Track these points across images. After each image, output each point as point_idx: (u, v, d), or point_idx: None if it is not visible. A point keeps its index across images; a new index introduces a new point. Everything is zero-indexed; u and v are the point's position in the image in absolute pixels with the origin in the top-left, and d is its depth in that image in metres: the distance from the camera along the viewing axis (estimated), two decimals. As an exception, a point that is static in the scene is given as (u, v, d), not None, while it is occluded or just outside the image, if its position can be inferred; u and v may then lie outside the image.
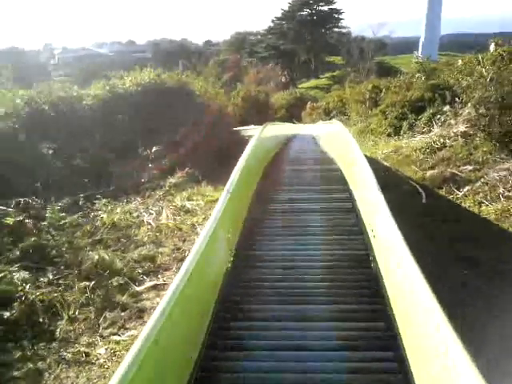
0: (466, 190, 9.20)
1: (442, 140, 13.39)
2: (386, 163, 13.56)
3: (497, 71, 12.66)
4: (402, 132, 17.45)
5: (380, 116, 19.18)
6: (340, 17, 66.68)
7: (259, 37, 73.50)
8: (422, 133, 16.36)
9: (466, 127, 13.62)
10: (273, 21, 70.30)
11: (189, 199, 11.13)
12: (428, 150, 13.05)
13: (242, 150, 19.67)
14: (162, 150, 14.79)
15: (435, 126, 15.81)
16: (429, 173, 10.87)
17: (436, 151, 12.90)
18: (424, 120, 16.83)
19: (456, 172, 10.46)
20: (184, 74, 23.54)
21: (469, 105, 14.34)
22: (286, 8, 67.94)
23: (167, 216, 9.64)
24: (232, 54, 72.55)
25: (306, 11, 67.04)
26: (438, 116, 16.50)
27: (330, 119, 30.98)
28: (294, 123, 31.90)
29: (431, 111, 17.00)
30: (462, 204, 8.76)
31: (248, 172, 8.52)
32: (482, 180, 9.03)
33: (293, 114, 36.56)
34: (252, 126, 32.50)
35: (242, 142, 26.03)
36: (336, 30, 68.33)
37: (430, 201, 9.43)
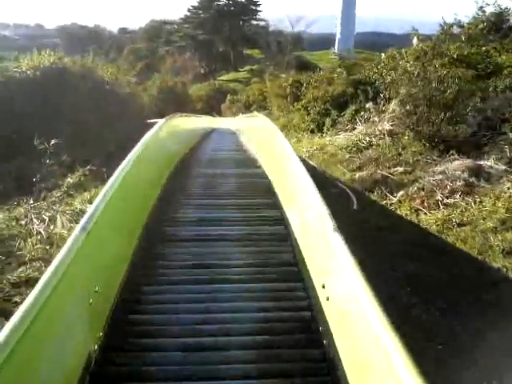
0: (400, 194, 8.54)
1: (367, 138, 12.85)
2: (311, 162, 12.80)
3: (421, 67, 12.24)
4: (325, 129, 16.87)
5: (302, 111, 18.50)
6: (257, 9, 65.98)
7: (175, 26, 71.02)
8: (346, 130, 15.85)
9: (392, 125, 13.20)
10: (189, 10, 68.14)
11: (91, 202, 9.65)
12: (354, 149, 12.45)
13: None
14: (63, 142, 13.04)
15: (359, 124, 15.35)
16: (358, 174, 10.17)
17: (362, 150, 12.33)
18: (347, 117, 16.34)
19: (386, 174, 9.84)
20: (91, 60, 21.57)
21: (393, 101, 13.96)
22: (203, -3, 66.19)
23: (63, 224, 8.10)
24: (147, 43, 69.73)
25: (222, 1, 65.64)
26: (362, 113, 16.09)
27: (251, 113, 30.20)
28: (213, 116, 30.65)
29: (354, 108, 16.56)
30: (398, 211, 8.07)
31: (134, 188, 5.33)
32: (417, 185, 8.41)
33: (212, 106, 35.28)
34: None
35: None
36: (254, 22, 67.62)
37: (361, 206, 8.67)
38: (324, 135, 16.50)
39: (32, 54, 16.04)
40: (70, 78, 15.92)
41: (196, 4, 66.97)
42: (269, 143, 9.63)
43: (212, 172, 9.55)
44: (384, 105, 15.36)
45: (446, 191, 7.71)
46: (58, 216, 8.31)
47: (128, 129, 17.14)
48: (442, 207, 7.44)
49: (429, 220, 7.20)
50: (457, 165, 8.85)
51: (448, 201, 7.49)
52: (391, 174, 9.82)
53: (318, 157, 13.17)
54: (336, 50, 69.10)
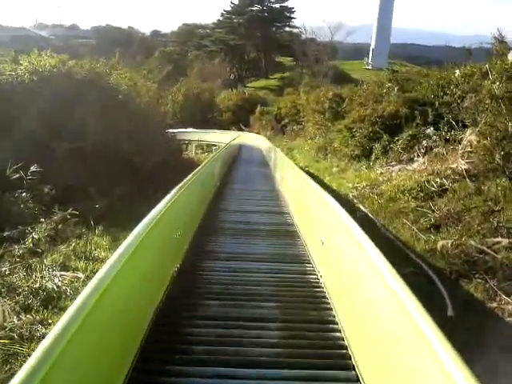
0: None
1: (437, 179, 9.59)
2: (362, 207, 9.66)
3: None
4: (373, 156, 13.69)
5: (345, 133, 15.34)
6: (292, 16, 62.96)
7: (208, 30, 68.48)
8: (400, 161, 12.68)
9: (467, 162, 9.97)
10: (222, 14, 65.57)
11: (65, 266, 6.77)
12: (422, 195, 9.23)
13: (176, 164, 14.58)
14: (54, 168, 10.25)
15: (418, 154, 12.15)
16: (440, 243, 6.97)
17: (433, 196, 9.10)
18: (402, 144, 13.13)
19: (483, 248, 6.62)
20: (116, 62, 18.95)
21: (468, 131, 10.73)
22: (237, 2, 63.41)
23: (5, 313, 5.17)
24: (179, 46, 67.39)
25: (256, 7, 62.72)
26: (421, 140, 12.89)
27: (282, 127, 27.26)
28: (241, 129, 27.73)
29: (410, 132, 13.35)
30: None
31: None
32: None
33: (240, 117, 32.31)
34: (190, 129, 28.15)
35: (177, 151, 21.65)
36: (287, 29, 64.57)
37: (457, 308, 5.50)
38: (372, 164, 13.34)
39: (31, 55, 13.26)
40: (75, 86, 13.08)
41: (229, 9, 64.40)
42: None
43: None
44: (452, 133, 12.16)
45: None
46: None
47: (141, 145, 14.28)
48: None
49: None
50: None
51: None
52: (490, 248, 6.61)
53: (370, 199, 10.04)
54: (370, 61, 66.07)
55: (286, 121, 26.46)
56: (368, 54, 66.19)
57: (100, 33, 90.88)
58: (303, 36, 58.99)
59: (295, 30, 63.32)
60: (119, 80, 17.57)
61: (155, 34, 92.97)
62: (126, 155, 12.82)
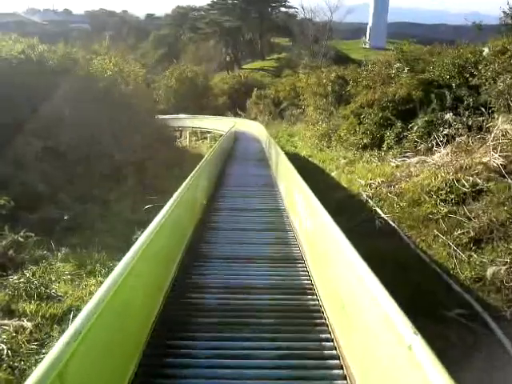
0: None
1: (468, 177, 7.92)
2: (380, 212, 8.01)
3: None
4: (385, 146, 11.99)
5: (352, 119, 13.61)
6: (287, -4, 60.28)
7: (202, 12, 65.74)
8: (417, 151, 10.97)
9: (502, 156, 8.31)
10: (217, -5, 62.81)
11: (10, 309, 5.26)
12: (452, 197, 7.56)
13: (167, 156, 12.92)
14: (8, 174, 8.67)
15: (439, 144, 10.46)
16: (490, 271, 5.35)
17: (466, 199, 7.45)
18: (417, 131, 11.42)
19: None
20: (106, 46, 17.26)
21: (500, 118, 9.03)
22: (231, -18, 60.62)
23: None
24: (173, 29, 64.85)
25: (251, -13, 60.01)
26: (437, 127, 11.20)
27: (281, 111, 25.41)
28: (238, 115, 25.88)
29: (426, 118, 11.66)
30: None
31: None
32: None
33: (236, 101, 30.33)
34: (183, 116, 26.27)
35: (169, 141, 19.81)
36: (283, 9, 61.97)
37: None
38: (384, 155, 11.65)
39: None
40: (47, 74, 11.32)
41: (224, -11, 61.68)
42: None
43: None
44: (475, 118, 10.46)
45: None
46: None
47: (125, 139, 12.58)
48: None
49: None
50: None
51: None
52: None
53: (388, 201, 8.38)
54: (368, 40, 63.65)
55: (285, 104, 24.63)
56: (365, 33, 63.81)
57: (93, 17, 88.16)
58: (300, 16, 56.49)
59: (291, 10, 60.86)
60: (104, 66, 15.81)
61: (149, 17, 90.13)
62: (106, 151, 11.12)
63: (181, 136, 23.57)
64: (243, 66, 52.36)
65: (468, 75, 10.78)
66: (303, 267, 5.06)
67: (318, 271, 4.51)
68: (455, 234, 6.52)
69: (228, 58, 54.53)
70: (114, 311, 2.62)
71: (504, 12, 13.31)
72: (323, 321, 3.86)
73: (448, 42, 17.73)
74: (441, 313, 4.68)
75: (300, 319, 3.98)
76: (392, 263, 5.71)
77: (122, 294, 2.71)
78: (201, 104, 26.89)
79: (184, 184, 5.58)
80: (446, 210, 7.25)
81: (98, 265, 6.21)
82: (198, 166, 7.16)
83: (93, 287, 5.54)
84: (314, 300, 4.27)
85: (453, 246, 6.11)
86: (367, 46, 58.75)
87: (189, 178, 6.07)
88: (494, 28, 16.77)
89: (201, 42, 50.18)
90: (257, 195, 9.27)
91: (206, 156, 8.61)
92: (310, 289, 4.49)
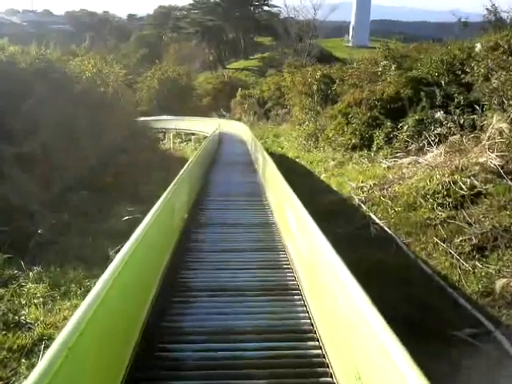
0: None
1: (465, 179, 7.52)
2: (375, 217, 7.57)
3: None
4: (374, 146, 11.58)
5: (340, 118, 13.18)
6: (269, -5, 59.68)
7: (184, 12, 64.89)
8: (408, 152, 10.58)
9: (499, 156, 7.95)
10: (198, -5, 61.96)
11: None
12: (449, 200, 7.14)
13: (150, 160, 12.34)
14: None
15: (431, 143, 10.08)
16: (499, 283, 4.93)
17: (465, 202, 7.04)
18: (408, 131, 11.04)
19: None
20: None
21: (495, 117, 8.67)
22: (213, -18, 59.87)
23: None
24: (155, 29, 63.94)
25: (233, -14, 59.31)
26: (428, 126, 10.85)
27: (266, 111, 24.91)
28: (222, 115, 25.32)
29: (416, 117, 11.29)
30: None
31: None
32: None
33: (220, 101, 29.74)
34: (166, 117, 25.58)
35: (152, 143, 19.17)
36: (266, 8, 61.41)
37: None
38: (374, 156, 11.25)
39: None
40: (20, 76, 10.68)
41: (206, -11, 60.90)
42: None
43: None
44: (466, 116, 10.11)
45: None
46: None
47: (104, 143, 12.00)
48: None
49: None
50: None
51: None
52: None
53: (382, 205, 7.95)
54: (351, 38, 63.44)
55: (270, 104, 24.17)
56: (348, 31, 63.60)
57: (74, 18, 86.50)
58: (283, 15, 55.98)
59: (274, 9, 60.33)
60: (82, 67, 15.17)
61: (131, 17, 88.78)
62: (84, 156, 10.53)
63: (164, 138, 22.95)
64: (227, 66, 51.75)
65: (460, 72, 10.39)
66: (300, 300, 4.22)
67: (319, 307, 3.75)
68: (456, 241, 6.10)
69: (211, 58, 53.85)
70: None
71: (487, 9, 12.97)
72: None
73: (432, 40, 17.49)
74: (450, 333, 4.23)
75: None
76: (392, 276, 5.27)
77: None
78: (184, 105, 26.24)
79: (161, 199, 4.88)
80: (444, 214, 6.83)
81: (73, 285, 5.67)
82: (177, 177, 6.43)
83: (67, 312, 5.00)
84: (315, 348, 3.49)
85: (455, 254, 5.69)
86: (350, 45, 58.47)
87: (166, 192, 5.36)
88: (476, 25, 16.53)
89: (183, 41, 49.42)
90: (244, 207, 8.26)
91: (187, 164, 7.92)
92: (310, 331, 3.72)
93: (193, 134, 23.08)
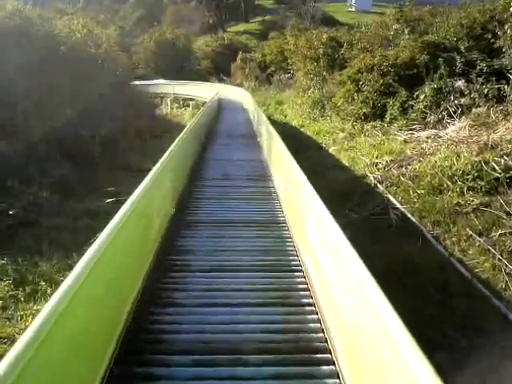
0: None
1: (500, 160, 6.46)
2: (394, 200, 6.55)
3: None
4: (388, 116, 10.45)
5: (349, 85, 11.96)
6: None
7: (183, -28, 61.93)
8: (426, 123, 9.48)
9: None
10: (198, -46, 58.86)
11: None
12: (482, 184, 6.11)
13: (143, 128, 11.16)
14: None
15: (452, 115, 8.97)
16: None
17: (499, 186, 6.01)
18: (425, 100, 9.89)
19: None
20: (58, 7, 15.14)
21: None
22: None
23: None
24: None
25: None
26: (447, 95, 9.71)
27: (268, 76, 23.47)
28: (222, 80, 23.92)
29: (434, 86, 10.09)
30: None
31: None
32: None
33: (220, 65, 28.18)
34: (162, 81, 24.06)
35: (147, 109, 17.86)
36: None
37: None
38: (388, 127, 10.13)
39: None
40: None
41: None
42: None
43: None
44: (490, 85, 8.97)
45: None
46: None
47: (92, 110, 10.81)
48: None
49: None
50: None
51: None
52: None
53: (402, 186, 6.91)
54: (354, 3, 60.80)
55: (272, 69, 22.78)
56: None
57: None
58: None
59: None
60: (71, 27, 13.80)
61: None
62: (71, 125, 9.39)
63: (161, 103, 21.66)
64: (227, 29, 49.59)
65: (490, 36, 9.18)
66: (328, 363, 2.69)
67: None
68: (494, 234, 5.11)
69: (211, 21, 51.52)
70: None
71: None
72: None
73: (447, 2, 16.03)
74: (507, 364, 3.28)
75: None
76: (425, 280, 4.28)
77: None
78: (183, 68, 24.81)
79: (137, 191, 3.63)
80: (476, 200, 5.82)
81: (42, 282, 4.70)
82: (162, 158, 5.00)
83: (30, 319, 4.03)
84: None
85: (497, 254, 4.70)
86: (353, 10, 56.09)
87: (147, 178, 3.94)
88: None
89: (182, 3, 47.08)
90: (247, 197, 6.39)
91: (178, 138, 6.58)
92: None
93: (191, 100, 21.78)
